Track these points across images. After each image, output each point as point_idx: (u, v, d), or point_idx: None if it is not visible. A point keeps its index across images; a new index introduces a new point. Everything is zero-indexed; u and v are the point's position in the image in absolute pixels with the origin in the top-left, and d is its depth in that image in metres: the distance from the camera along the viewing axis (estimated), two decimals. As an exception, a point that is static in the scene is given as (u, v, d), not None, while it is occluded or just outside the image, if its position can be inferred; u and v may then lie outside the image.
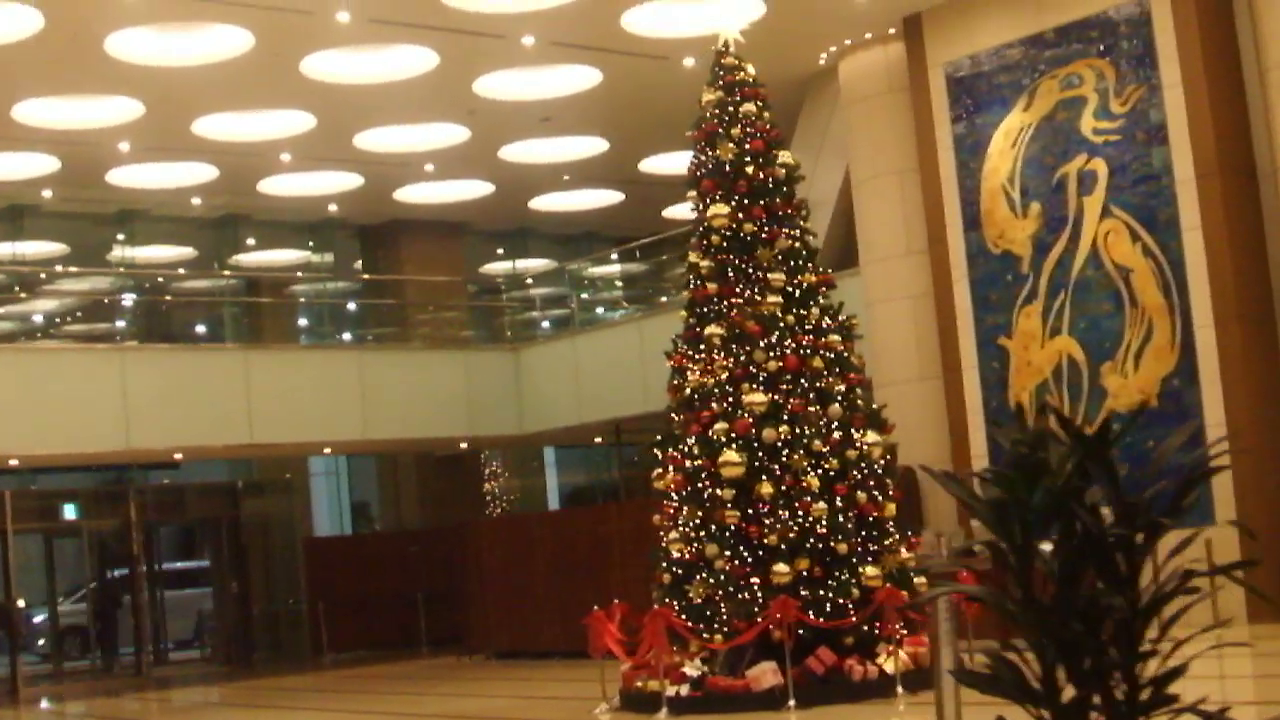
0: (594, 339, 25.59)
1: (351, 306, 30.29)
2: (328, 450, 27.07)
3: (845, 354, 14.37)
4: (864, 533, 13.83)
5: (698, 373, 14.28)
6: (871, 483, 14.00)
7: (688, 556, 13.88)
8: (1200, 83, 16.90)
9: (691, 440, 14.04)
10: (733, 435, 13.69)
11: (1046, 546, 5.38)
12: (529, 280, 32.25)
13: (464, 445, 27.41)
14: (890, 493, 14.16)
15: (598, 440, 29.25)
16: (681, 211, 30.44)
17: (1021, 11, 18.42)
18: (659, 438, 14.56)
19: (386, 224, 29.07)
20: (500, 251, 33.21)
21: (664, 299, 28.54)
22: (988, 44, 18.76)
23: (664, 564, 14.16)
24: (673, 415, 14.62)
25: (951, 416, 19.04)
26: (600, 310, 30.38)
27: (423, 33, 18.86)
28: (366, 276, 29.61)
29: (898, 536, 14.08)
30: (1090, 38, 17.79)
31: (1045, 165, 18.17)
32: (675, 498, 14.14)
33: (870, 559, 13.75)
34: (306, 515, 30.22)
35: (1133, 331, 17.37)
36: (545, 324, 29.91)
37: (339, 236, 29.84)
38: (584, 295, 30.22)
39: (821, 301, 14.49)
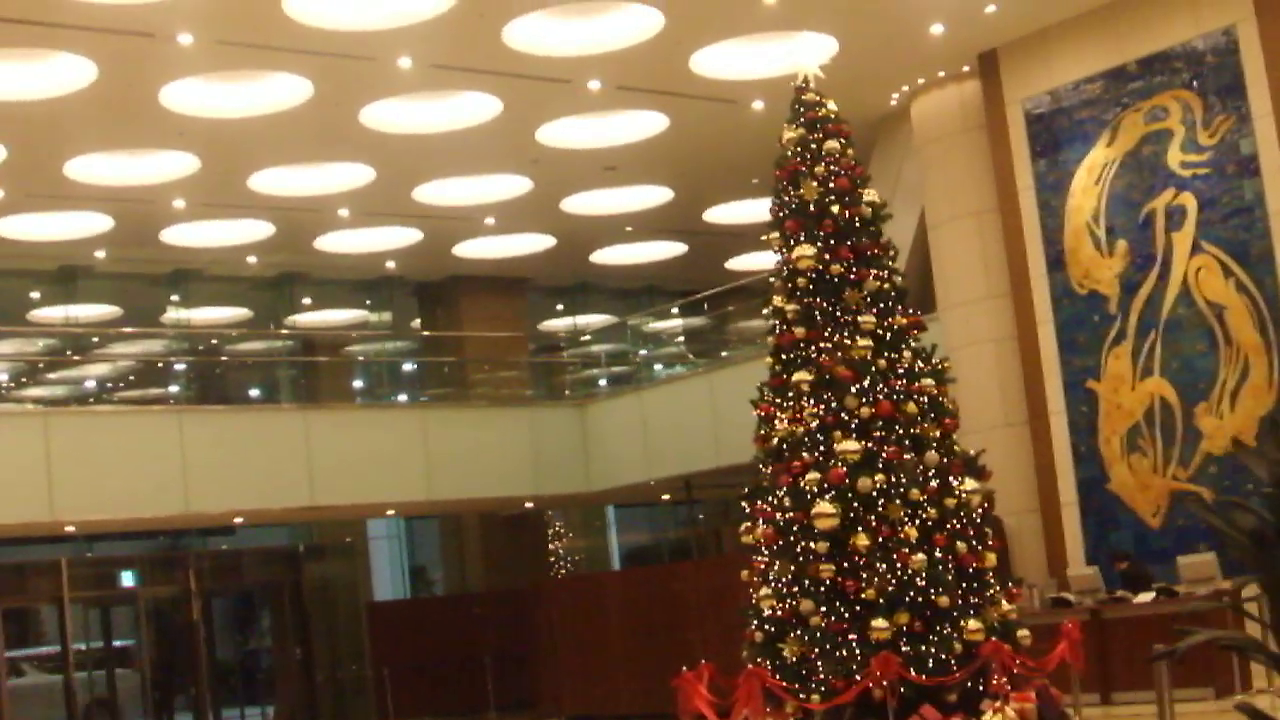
0: (661, 393, 25.01)
1: (410, 366, 29.82)
2: (391, 512, 26.56)
3: (939, 398, 13.74)
4: (963, 584, 13.18)
5: (786, 421, 13.67)
6: (970, 532, 13.34)
7: (780, 613, 13.24)
8: (1295, 112, 16.31)
9: (781, 491, 13.43)
10: (826, 485, 13.07)
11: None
12: (587, 336, 31.78)
13: (529, 505, 26.85)
14: (989, 542, 13.51)
15: (665, 498, 28.68)
16: (745, 263, 30.03)
17: (1102, 44, 17.89)
18: (747, 490, 13.96)
19: (445, 280, 28.65)
20: (560, 307, 32.77)
21: (724, 353, 28.03)
22: (1067, 79, 18.23)
23: (755, 621, 13.53)
24: (760, 466, 14.01)
25: (1039, 462, 18.41)
26: (658, 367, 29.81)
27: (485, 79, 18.45)
28: (426, 334, 29.12)
29: (998, 588, 13.42)
30: (1175, 69, 17.24)
31: (1131, 201, 17.59)
32: (765, 552, 13.52)
33: (971, 612, 13.09)
34: (367, 579, 29.72)
35: (1228, 371, 16.73)
36: (605, 381, 29.29)
37: (397, 294, 29.41)
38: (643, 351, 29.67)
39: (913, 344, 13.88)
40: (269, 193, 21.86)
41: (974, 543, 13.36)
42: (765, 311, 14.39)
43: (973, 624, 13.00)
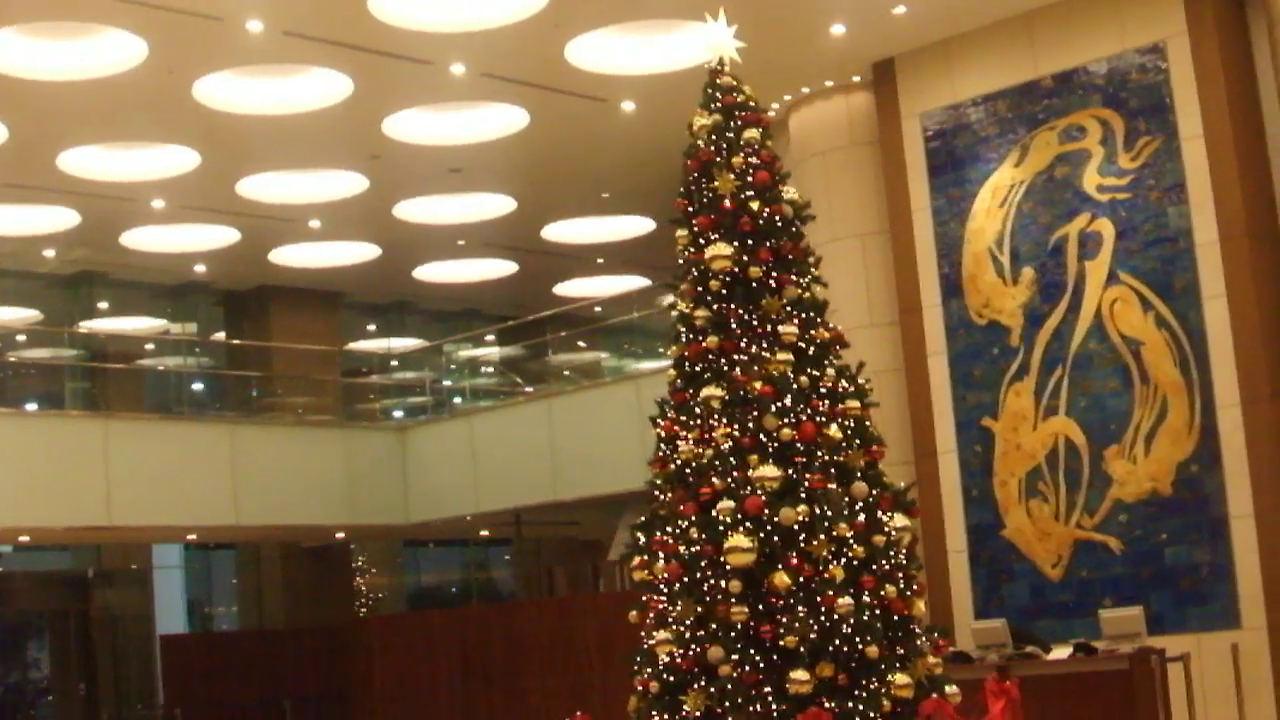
0: (493, 420, 23.11)
1: (212, 379, 27.45)
2: (192, 536, 24.22)
3: (865, 423, 12.17)
4: (889, 634, 11.58)
5: (691, 442, 11.95)
6: (899, 575, 11.76)
7: (682, 661, 11.47)
8: (1226, 135, 15.17)
9: (685, 522, 11.71)
10: (741, 515, 11.39)
11: None
12: (394, 363, 29.77)
13: (340, 535, 24.76)
14: (916, 587, 11.95)
15: (484, 533, 26.79)
16: (574, 288, 28.35)
17: (1013, 57, 16.61)
18: (642, 519, 12.23)
19: (254, 291, 26.44)
20: (372, 328, 30.74)
21: (525, 387, 26.26)
22: (972, 93, 16.94)
23: (649, 670, 11.76)
24: (657, 493, 12.29)
25: (925, 505, 16.90)
26: (457, 401, 27.85)
27: (340, 54, 16.50)
28: (235, 343, 26.77)
29: (924, 639, 11.85)
30: (1095, 85, 16.03)
31: (1040, 226, 16.31)
32: (665, 590, 11.77)
33: (897, 665, 11.49)
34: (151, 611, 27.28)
35: (1143, 411, 15.48)
36: (430, 405, 27.24)
37: (203, 303, 27.10)
38: (447, 383, 27.60)
39: (836, 362, 12.30)
40: (78, 175, 19.53)
41: (903, 587, 11.82)
42: (673, 315, 12.72)
43: (900, 678, 11.34)
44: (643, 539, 12.16)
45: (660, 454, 12.29)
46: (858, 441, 11.98)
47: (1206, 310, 15.14)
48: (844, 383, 12.16)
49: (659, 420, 12.41)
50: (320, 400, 26.17)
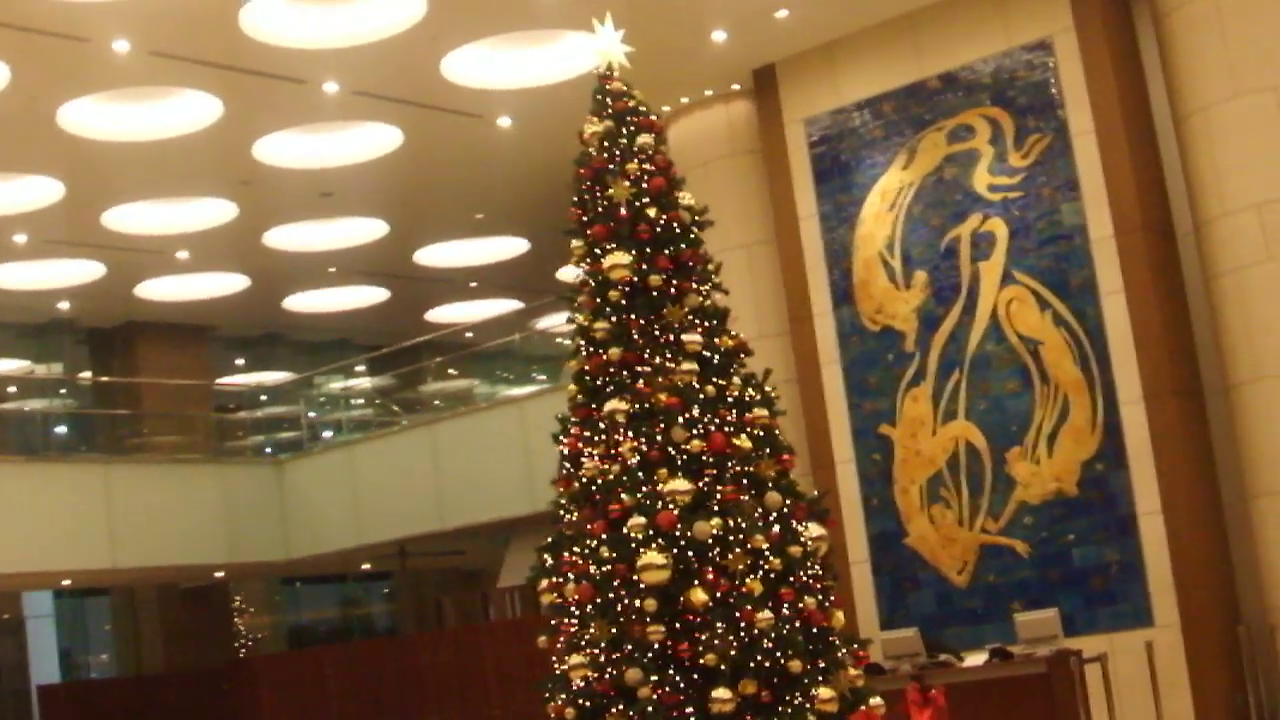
0: (374, 449, 22.50)
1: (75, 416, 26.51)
2: (67, 581, 23.31)
3: (774, 431, 11.82)
4: (810, 647, 11.21)
5: (597, 458, 11.53)
6: (818, 586, 11.42)
7: (598, 685, 11.04)
8: (1118, 129, 15.08)
9: (594, 542, 11.28)
10: (653, 532, 10.97)
11: None
12: (263, 397, 28.98)
13: (219, 574, 24.00)
14: (833, 598, 11.61)
15: (366, 566, 26.10)
16: (446, 314, 27.81)
17: (897, 59, 16.41)
18: (550, 540, 11.78)
19: (121, 327, 25.64)
20: (241, 362, 29.96)
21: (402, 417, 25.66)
22: (856, 96, 16.70)
23: (563, 696, 11.31)
24: (562, 512, 11.85)
25: (825, 517, 16.62)
26: (327, 435, 27.15)
27: (209, 76, 15.91)
28: (103, 380, 25.87)
29: (844, 650, 11.50)
30: (982, 85, 15.87)
31: (932, 229, 16.10)
32: (576, 613, 11.32)
33: (820, 678, 11.13)
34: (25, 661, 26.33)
35: (1044, 411, 15.30)
36: (309, 437, 26.50)
37: (67, 342, 26.20)
38: (311, 414, 26.86)
39: (741, 370, 11.94)
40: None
41: (821, 598, 11.47)
42: (570, 328, 12.27)
43: (824, 692, 10.95)
44: (550, 561, 11.74)
45: (564, 472, 11.83)
46: (768, 451, 11.62)
47: (1105, 306, 15.01)
48: (751, 391, 11.80)
49: (561, 438, 11.97)
50: (193, 438, 25.41)
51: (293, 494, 22.93)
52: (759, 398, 11.82)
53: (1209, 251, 14.84)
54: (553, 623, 11.71)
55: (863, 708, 10.87)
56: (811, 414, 16.83)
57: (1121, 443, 14.86)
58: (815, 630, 11.25)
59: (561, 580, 11.50)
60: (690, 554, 10.91)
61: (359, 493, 21.61)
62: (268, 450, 26.48)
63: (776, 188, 17.25)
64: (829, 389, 16.67)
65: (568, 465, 11.82)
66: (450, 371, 27.40)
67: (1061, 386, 15.21)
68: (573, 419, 11.89)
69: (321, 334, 28.87)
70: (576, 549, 11.40)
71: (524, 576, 20.62)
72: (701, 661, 10.75)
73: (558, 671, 11.55)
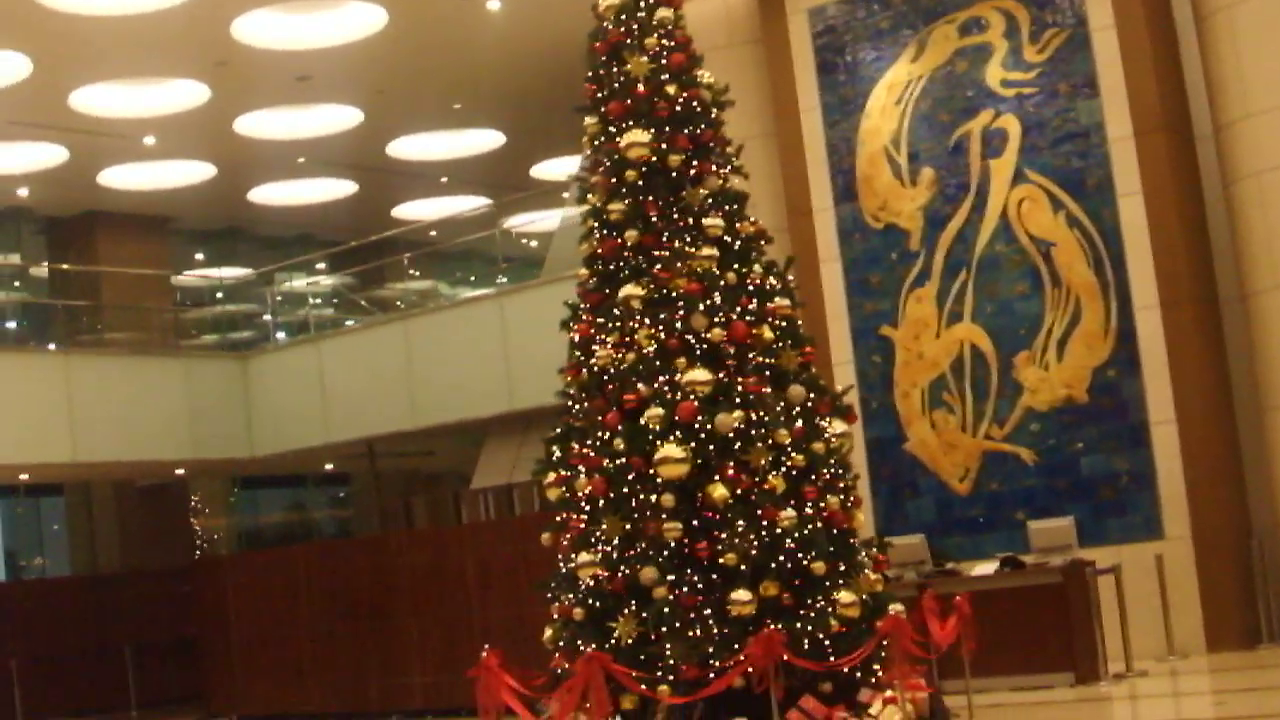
0: (345, 345, 21.77)
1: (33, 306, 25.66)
2: (25, 476, 22.57)
3: (798, 322, 11.29)
4: (832, 549, 10.71)
5: (610, 346, 10.97)
6: (840, 485, 10.94)
7: (610, 585, 10.52)
8: (1140, 24, 14.49)
9: (606, 434, 10.73)
10: (672, 423, 10.42)
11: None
12: (219, 295, 28.17)
13: (181, 471, 23.31)
14: (855, 498, 11.12)
15: (328, 467, 25.45)
16: (415, 210, 27.07)
17: (910, -56, 15.74)
18: (558, 431, 11.24)
19: (80, 217, 24.80)
20: (200, 257, 29.14)
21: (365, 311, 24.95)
22: (867, -17, 16.02)
23: (570, 596, 10.78)
24: (571, 403, 11.30)
25: (822, 421, 16.11)
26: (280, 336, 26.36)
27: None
28: (64, 267, 25.01)
29: (864, 554, 11.02)
30: (997, -27, 15.22)
31: (940, 124, 15.49)
32: (587, 508, 10.78)
33: (840, 582, 10.64)
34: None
35: (1055, 315, 14.78)
36: (277, 330, 25.67)
37: (25, 230, 25.33)
38: (268, 317, 26.03)
39: (762, 258, 11.38)
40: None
41: (844, 498, 10.98)
42: (581, 211, 11.69)
43: (845, 596, 10.54)
44: (558, 453, 11.20)
45: (575, 360, 11.31)
46: (789, 342, 11.14)
47: (1121, 208, 14.45)
48: (772, 280, 11.30)
49: (572, 324, 11.42)
50: (153, 333, 24.63)
51: (258, 390, 22.21)
52: (780, 287, 11.32)
53: (1229, 155, 14.33)
54: (559, 519, 11.22)
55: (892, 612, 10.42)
56: (809, 313, 16.04)
57: (1135, 349, 14.36)
58: (837, 531, 10.83)
59: (570, 474, 11.00)
60: (710, 448, 10.43)
61: (328, 390, 20.92)
62: (237, 342, 25.76)
63: (777, 79, 16.58)
64: (828, 288, 16.09)
65: (578, 353, 11.30)
66: (411, 272, 26.67)
67: (1074, 290, 14.68)
68: (584, 305, 11.35)
69: (284, 229, 28.11)
70: (588, 441, 10.90)
71: (501, 478, 20.20)
72: (721, 561, 10.28)
73: (563, 570, 11.07)
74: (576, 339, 11.26)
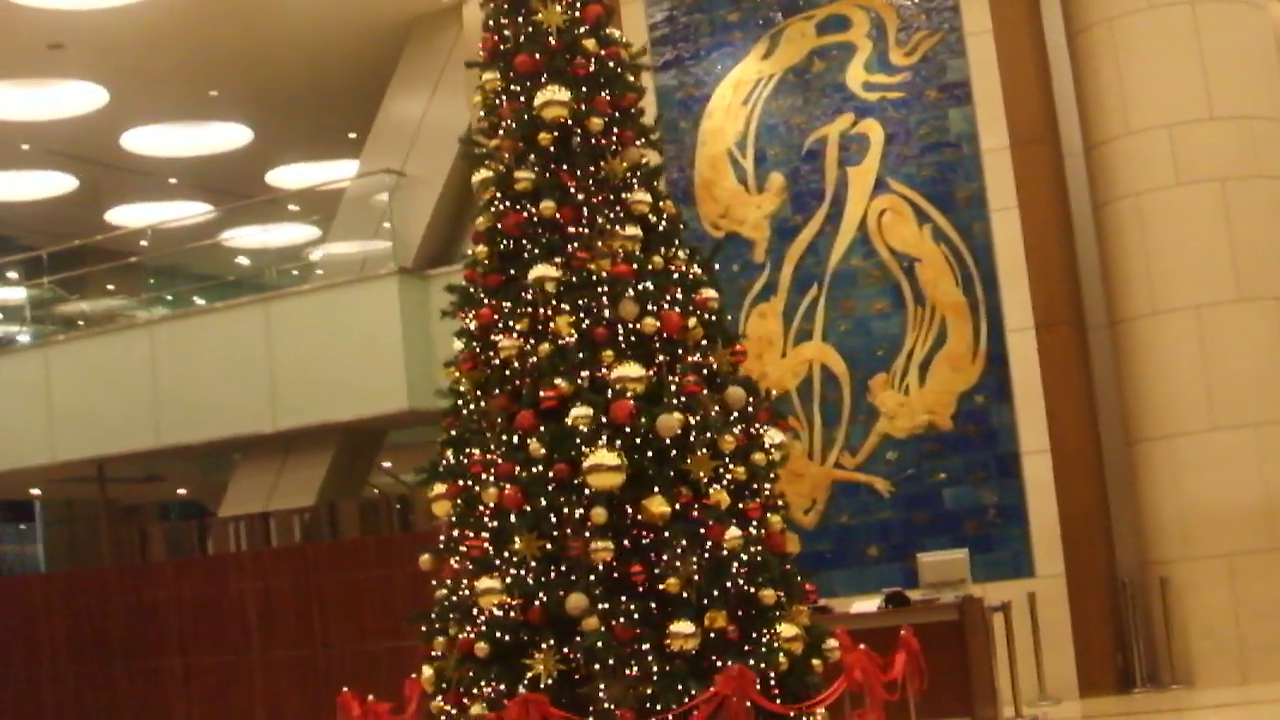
0: (77, 352, 19.21)
1: None
2: None
3: (727, 316, 9.91)
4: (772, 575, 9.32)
5: (517, 335, 9.37)
6: (778, 503, 9.58)
7: (522, 615, 8.89)
8: (1019, 30, 13.79)
9: (517, 437, 9.12)
10: (602, 424, 8.90)
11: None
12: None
13: None
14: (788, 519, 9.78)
15: (35, 492, 22.81)
16: (130, 215, 24.66)
17: (764, -66, 14.62)
18: (452, 435, 9.58)
19: None
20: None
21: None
22: (712, -25, 14.82)
23: (469, 629, 9.11)
24: (461, 403, 9.65)
25: (653, 445, 14.74)
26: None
27: None
28: None
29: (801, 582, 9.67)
30: (864, -30, 14.22)
31: (793, 127, 14.39)
32: (489, 524, 9.14)
33: (779, 614, 9.27)
34: None
35: (917, 336, 13.79)
36: None
37: None
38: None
39: (686, 242, 9.97)
40: None
41: (784, 517, 9.63)
42: (475, 181, 10.06)
43: (787, 629, 9.16)
44: (451, 460, 9.53)
45: (469, 350, 9.66)
46: (719, 339, 9.75)
47: (994, 224, 13.59)
48: (696, 268, 9.89)
49: (465, 310, 9.78)
50: None
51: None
52: (706, 277, 9.92)
53: (1105, 173, 13.64)
54: (445, 538, 9.56)
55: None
56: (635, 330, 14.88)
57: (1006, 374, 13.47)
58: (777, 556, 9.47)
59: (469, 484, 9.36)
60: (649, 454, 8.95)
61: (54, 403, 18.52)
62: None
63: (604, 73, 15.19)
64: (658, 301, 14.74)
65: (475, 343, 9.66)
66: (109, 287, 24.29)
67: (939, 309, 13.72)
68: (482, 286, 9.73)
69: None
70: (492, 446, 9.28)
71: (255, 505, 18.14)
72: (661, 587, 8.78)
73: (455, 599, 9.39)
74: (473, 327, 9.63)
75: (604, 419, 8.83)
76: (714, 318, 9.69)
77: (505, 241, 9.62)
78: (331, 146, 21.52)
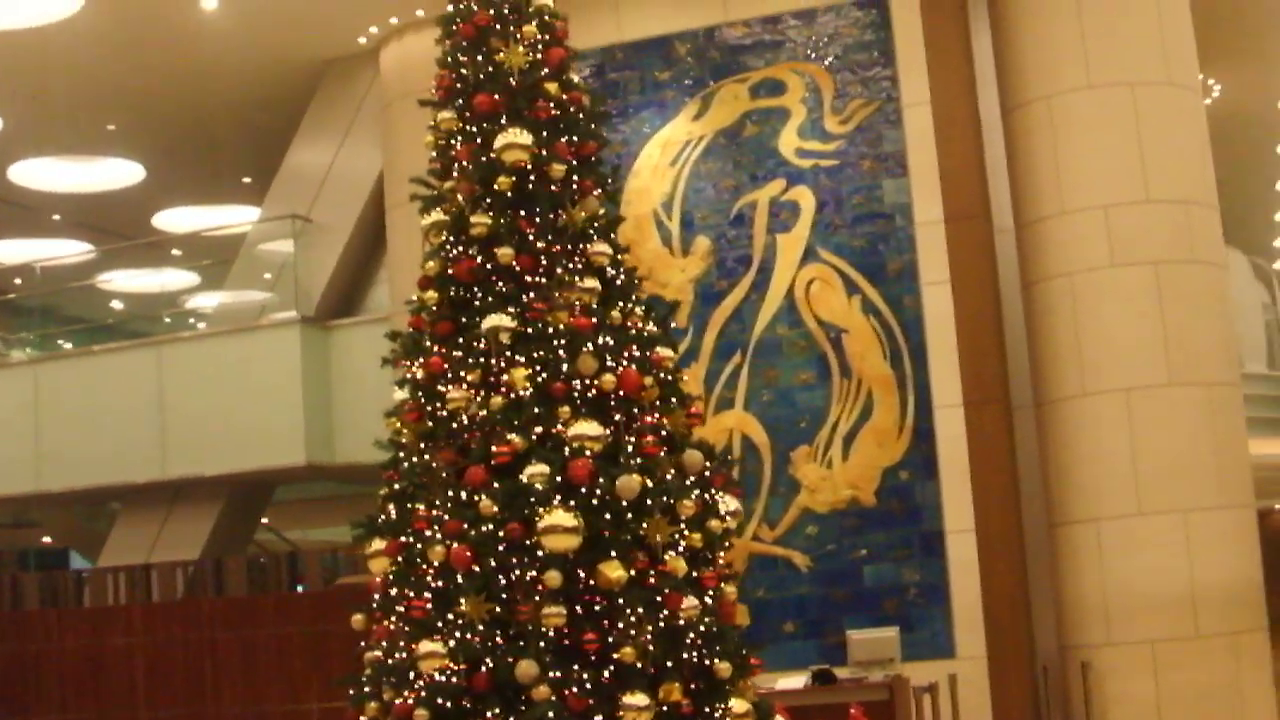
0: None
1: None
2: None
3: (684, 377, 9.56)
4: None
5: (466, 386, 8.93)
6: (730, 573, 9.24)
7: (465, 681, 8.41)
8: (958, 102, 13.65)
9: (465, 493, 8.68)
10: (557, 484, 8.48)
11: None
12: None
13: None
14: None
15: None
16: (9, 251, 23.75)
17: (698, -4, 14.38)
18: (394, 489, 9.09)
19: None
20: None
21: None
22: (643, 32, 14.55)
23: (407, 695, 8.60)
24: (402, 455, 9.18)
25: (564, 513, 14.30)
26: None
27: None
28: None
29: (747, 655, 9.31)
30: (799, 36, 14.01)
31: (722, 191, 14.14)
32: (430, 586, 8.66)
33: (729, 687, 8.90)
34: None
35: (842, 409, 13.52)
36: None
37: None
38: None
39: (643, 297, 9.62)
40: None
41: (738, 588, 9.26)
42: (424, 224, 9.62)
43: (738, 704, 8.81)
44: (394, 515, 9.04)
45: (414, 402, 9.19)
46: (675, 399, 9.39)
47: (925, 298, 13.40)
48: (653, 325, 9.53)
49: (411, 358, 9.32)
50: None
51: None
52: (662, 334, 9.56)
53: (1037, 251, 13.51)
54: (379, 596, 9.06)
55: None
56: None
57: (933, 450, 13.24)
58: (731, 627, 9.09)
59: (410, 540, 8.87)
60: (606, 516, 8.54)
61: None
62: None
63: (528, 128, 14.85)
64: (575, 363, 14.37)
65: (420, 394, 9.20)
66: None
67: (866, 382, 13.48)
68: (430, 334, 9.28)
69: None
70: (436, 501, 8.81)
71: (137, 556, 17.38)
72: (616, 656, 8.37)
73: (390, 661, 8.88)
74: (419, 376, 9.17)
75: (559, 478, 8.47)
76: (670, 377, 9.36)
77: (456, 288, 9.23)
78: (224, 190, 20.91)
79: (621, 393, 8.84)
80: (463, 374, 8.89)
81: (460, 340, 9.02)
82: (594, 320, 8.88)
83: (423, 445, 9.07)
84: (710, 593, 8.79)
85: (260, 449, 15.72)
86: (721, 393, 13.85)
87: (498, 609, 8.37)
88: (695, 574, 8.77)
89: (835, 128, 13.83)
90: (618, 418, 8.84)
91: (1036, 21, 13.57)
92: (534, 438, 8.61)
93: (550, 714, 8.08)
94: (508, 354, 8.83)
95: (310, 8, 15.11)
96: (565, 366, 8.74)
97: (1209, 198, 13.41)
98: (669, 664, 8.36)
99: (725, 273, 14.00)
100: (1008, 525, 13.21)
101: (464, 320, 9.09)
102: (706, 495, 9.06)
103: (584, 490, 8.41)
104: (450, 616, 8.45)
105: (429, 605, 8.59)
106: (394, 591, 8.85)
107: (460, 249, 9.19)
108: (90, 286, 23.27)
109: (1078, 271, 13.20)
